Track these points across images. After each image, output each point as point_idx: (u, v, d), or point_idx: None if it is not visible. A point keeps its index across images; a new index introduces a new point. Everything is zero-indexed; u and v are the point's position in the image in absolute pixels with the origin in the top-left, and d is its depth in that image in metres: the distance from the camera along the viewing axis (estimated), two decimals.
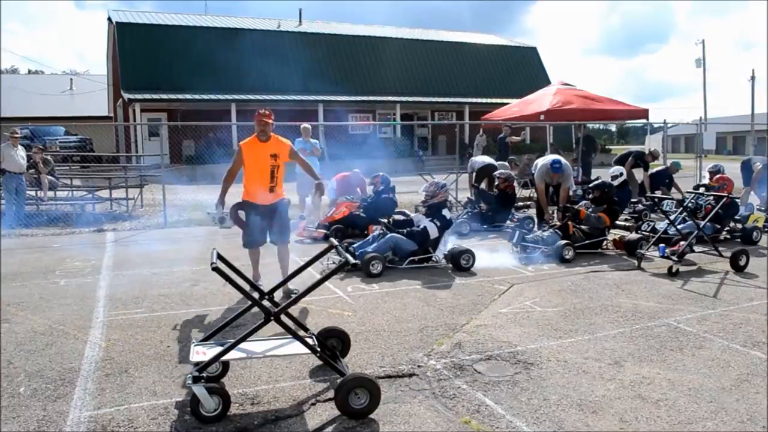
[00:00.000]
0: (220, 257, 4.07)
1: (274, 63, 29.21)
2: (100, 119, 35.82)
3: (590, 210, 9.08)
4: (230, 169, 6.59)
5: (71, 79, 43.74)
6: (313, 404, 3.92)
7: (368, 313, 5.93)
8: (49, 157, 14.40)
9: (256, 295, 4.19)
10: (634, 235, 8.95)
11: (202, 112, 26.75)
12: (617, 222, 9.58)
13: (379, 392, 3.77)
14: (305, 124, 11.98)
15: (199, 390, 3.62)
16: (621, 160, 13.66)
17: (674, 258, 7.48)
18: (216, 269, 3.83)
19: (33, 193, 13.42)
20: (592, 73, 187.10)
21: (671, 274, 7.32)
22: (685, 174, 15.53)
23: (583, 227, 8.90)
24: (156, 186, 13.85)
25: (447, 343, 5.03)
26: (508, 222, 10.88)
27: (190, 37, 29.08)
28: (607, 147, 37.92)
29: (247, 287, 4.05)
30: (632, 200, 11.27)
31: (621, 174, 10.83)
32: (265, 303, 4.15)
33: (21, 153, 12.28)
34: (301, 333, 4.08)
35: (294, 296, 4.22)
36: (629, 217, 11.42)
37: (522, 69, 35.60)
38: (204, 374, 3.80)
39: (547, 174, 10.96)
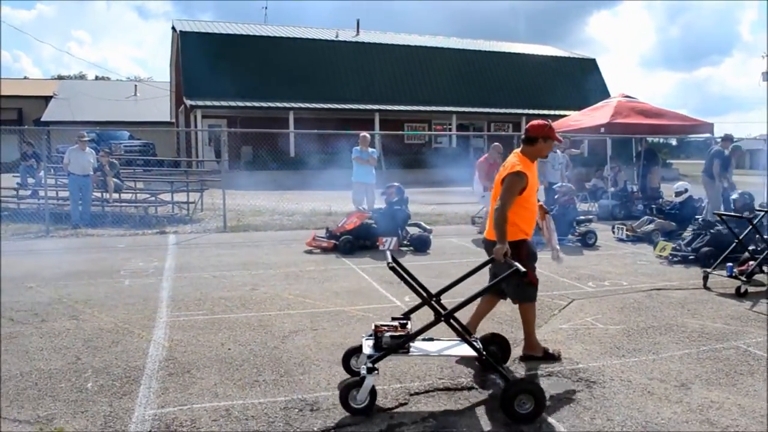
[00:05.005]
0: (393, 258, 4.25)
1: (332, 72, 29.55)
2: (162, 124, 37.03)
3: None
4: (507, 204, 4.47)
5: (135, 85, 45.07)
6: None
7: None
8: (114, 160, 14.86)
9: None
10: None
11: (260, 119, 27.17)
12: None
13: (544, 398, 3.88)
14: (364, 133, 12.05)
15: (369, 382, 3.81)
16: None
17: (743, 278, 7.22)
18: (393, 268, 4.12)
19: (99, 194, 13.86)
20: (652, 85, 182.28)
21: (739, 294, 7.05)
22: (751, 191, 14.99)
23: None
24: (216, 191, 14.13)
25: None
26: (570, 236, 10.65)
27: (250, 46, 29.67)
28: (668, 162, 36.96)
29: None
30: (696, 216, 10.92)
31: (686, 190, 10.53)
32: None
33: (89, 156, 12.70)
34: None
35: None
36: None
37: (581, 81, 34.98)
38: (376, 366, 3.92)
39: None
